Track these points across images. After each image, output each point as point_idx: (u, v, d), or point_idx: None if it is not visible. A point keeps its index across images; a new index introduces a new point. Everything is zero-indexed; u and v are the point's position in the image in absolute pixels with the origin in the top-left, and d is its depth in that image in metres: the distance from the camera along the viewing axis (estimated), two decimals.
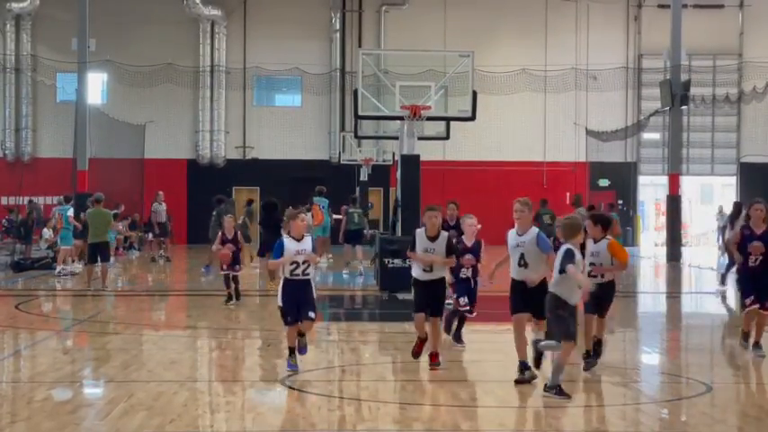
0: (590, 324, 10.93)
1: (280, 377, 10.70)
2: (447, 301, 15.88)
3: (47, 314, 18.12)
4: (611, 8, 42.17)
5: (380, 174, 38.39)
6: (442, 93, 21.23)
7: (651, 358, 13.25)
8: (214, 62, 41.37)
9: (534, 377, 10.13)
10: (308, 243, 10.91)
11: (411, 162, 21.04)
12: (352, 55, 40.37)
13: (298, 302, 10.79)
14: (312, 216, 25.16)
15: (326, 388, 10.22)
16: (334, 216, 28.26)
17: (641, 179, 43.17)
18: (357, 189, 36.42)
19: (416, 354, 11.18)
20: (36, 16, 40.90)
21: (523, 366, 10.21)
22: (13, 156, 41.01)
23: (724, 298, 20.72)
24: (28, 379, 10.96)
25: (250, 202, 30.64)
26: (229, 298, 18.03)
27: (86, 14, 33.14)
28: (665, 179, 35.87)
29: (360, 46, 40.04)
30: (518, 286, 10.29)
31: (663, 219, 37.49)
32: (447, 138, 26.26)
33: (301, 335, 10.89)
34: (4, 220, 36.33)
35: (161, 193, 31.41)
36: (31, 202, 33.32)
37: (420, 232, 11.17)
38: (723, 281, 21.58)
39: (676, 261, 31.37)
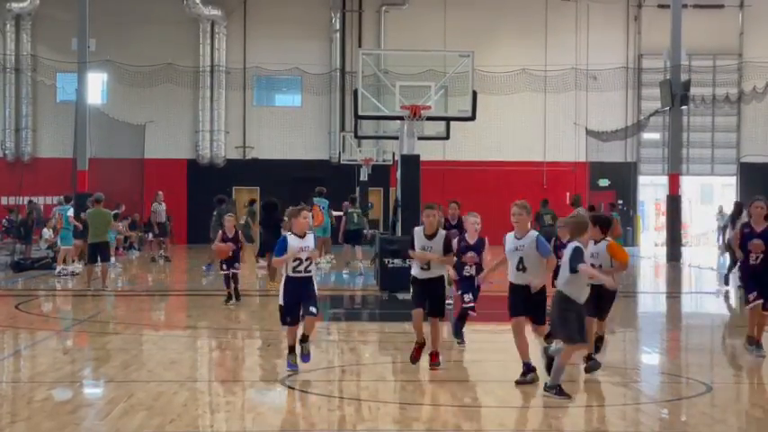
0: (590, 326, 10.89)
1: (280, 377, 10.70)
2: (448, 302, 15.90)
3: (47, 314, 18.12)
4: (611, 8, 42.18)
5: (380, 174, 38.40)
6: (442, 93, 21.23)
7: (651, 358, 13.24)
8: (214, 62, 41.38)
9: (536, 379, 10.13)
10: (310, 240, 10.94)
11: (411, 162, 21.04)
12: (352, 55, 40.39)
13: (300, 299, 10.78)
14: (312, 217, 25.15)
15: (326, 388, 10.22)
16: (334, 213, 28.21)
17: (641, 179, 43.19)
18: (357, 189, 36.41)
19: (415, 359, 11.12)
20: (36, 16, 40.92)
21: (527, 368, 10.19)
22: (13, 156, 41.03)
23: (727, 298, 20.72)
24: (28, 379, 10.96)
25: (252, 202, 30.63)
26: (229, 297, 18.05)
27: (86, 14, 33.15)
28: (665, 179, 35.88)
29: (360, 46, 40.05)
30: (516, 290, 10.25)
31: (663, 219, 37.50)
32: (447, 138, 26.27)
33: (304, 340, 10.84)
34: (4, 220, 36.33)
35: (161, 193, 31.42)
36: (30, 202, 33.32)
37: (418, 230, 11.18)
38: (726, 281, 21.61)
39: (676, 261, 31.37)
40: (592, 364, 10.67)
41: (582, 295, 9.62)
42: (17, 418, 8.72)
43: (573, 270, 9.50)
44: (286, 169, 40.16)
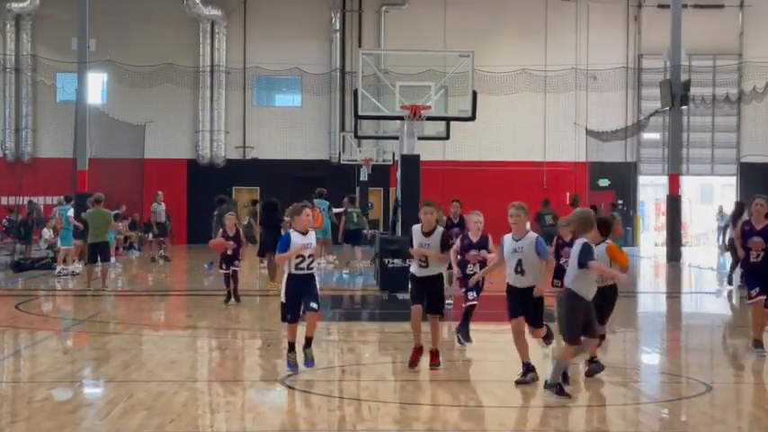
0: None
1: (280, 377, 10.70)
2: (448, 302, 15.89)
3: (47, 314, 18.11)
4: (611, 8, 42.19)
5: (380, 174, 38.40)
6: (442, 93, 21.23)
7: (651, 358, 13.24)
8: (214, 62, 41.40)
9: (536, 379, 10.12)
10: (312, 237, 10.94)
11: (411, 162, 21.04)
12: (352, 55, 40.40)
13: (301, 296, 10.76)
14: (312, 218, 25.09)
15: (326, 388, 10.21)
16: (335, 210, 28.16)
17: (641, 179, 43.20)
18: (357, 189, 36.43)
19: (413, 363, 11.04)
20: (36, 16, 40.93)
21: (527, 368, 10.19)
22: (13, 156, 41.05)
23: (730, 297, 20.70)
24: (28, 379, 10.95)
25: (254, 202, 30.63)
26: (228, 297, 18.06)
27: (86, 14, 33.17)
28: (665, 179, 35.88)
29: (360, 46, 40.07)
30: (514, 292, 10.21)
31: (663, 219, 37.50)
32: (447, 138, 26.28)
33: (308, 345, 10.80)
34: (4, 220, 36.35)
35: (160, 193, 31.42)
36: (30, 202, 33.32)
37: (416, 228, 11.19)
38: (730, 281, 21.63)
39: (676, 261, 31.37)
40: (594, 367, 10.58)
41: (590, 292, 9.56)
42: (17, 418, 8.72)
43: (581, 265, 9.43)
44: (286, 169, 40.18)
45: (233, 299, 18.06)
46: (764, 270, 12.27)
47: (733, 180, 43.14)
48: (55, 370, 11.35)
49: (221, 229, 18.74)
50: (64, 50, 37.27)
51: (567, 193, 36.28)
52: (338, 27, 41.87)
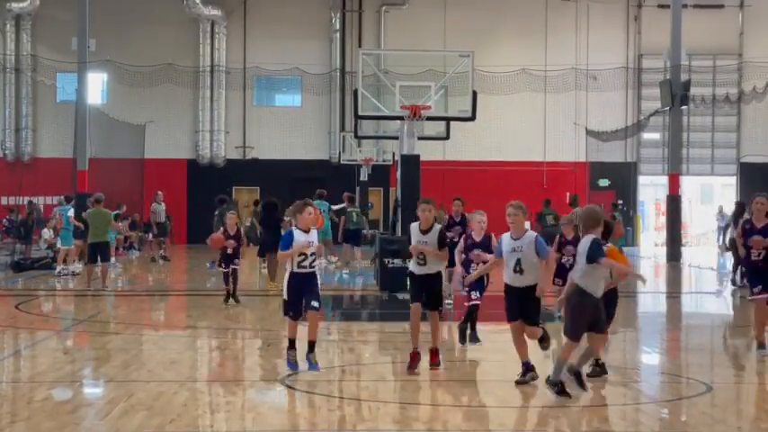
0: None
1: (280, 377, 10.70)
2: (447, 301, 15.86)
3: (47, 314, 18.12)
4: (611, 8, 42.19)
5: (380, 174, 38.40)
6: (442, 93, 21.23)
7: (651, 358, 13.24)
8: (214, 62, 41.39)
9: (535, 377, 10.12)
10: (314, 236, 10.90)
11: (411, 162, 21.04)
12: (352, 55, 40.40)
13: (302, 294, 10.75)
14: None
15: (326, 388, 10.21)
16: (334, 207, 28.13)
17: (641, 179, 43.20)
18: (357, 189, 36.42)
19: (412, 366, 10.96)
20: (36, 16, 40.93)
21: (526, 368, 10.19)
22: (13, 156, 41.04)
23: (735, 295, 20.65)
24: (28, 379, 10.95)
25: (257, 202, 30.59)
26: (227, 296, 18.06)
27: (86, 14, 33.19)
28: (665, 179, 35.88)
29: (360, 46, 40.06)
30: (512, 292, 10.18)
31: (663, 219, 37.51)
32: (447, 138, 26.26)
33: (311, 349, 10.74)
34: (4, 220, 36.36)
35: (160, 193, 31.41)
36: (30, 202, 33.33)
37: (414, 226, 11.19)
38: (734, 282, 21.63)
39: (676, 261, 31.38)
40: (598, 371, 10.51)
41: (599, 289, 9.50)
42: (17, 418, 8.72)
43: (590, 260, 9.39)
44: (286, 169, 40.18)
45: (232, 299, 18.06)
46: (766, 268, 12.27)
47: (733, 180, 43.14)
48: (55, 370, 11.35)
49: (222, 228, 18.77)
50: (64, 50, 37.27)
51: (567, 193, 36.29)
52: (338, 27, 41.86)
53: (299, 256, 10.74)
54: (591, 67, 40.87)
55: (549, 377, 9.60)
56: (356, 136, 31.22)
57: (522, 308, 10.16)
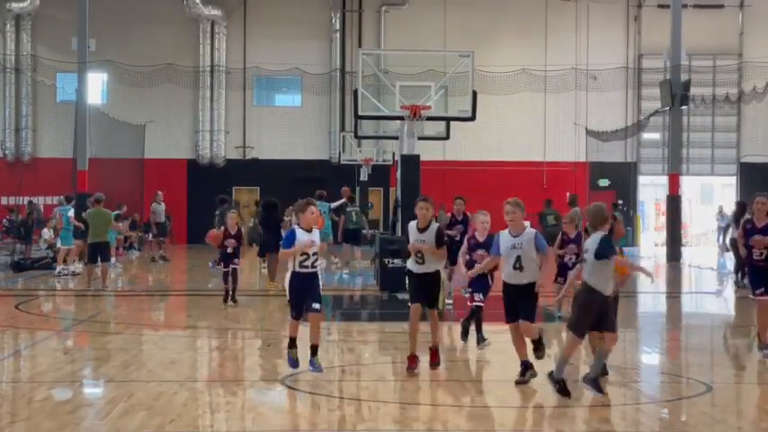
0: (594, 336, 10.81)
1: (280, 377, 10.70)
2: (448, 301, 15.86)
3: (47, 314, 18.12)
4: (611, 8, 42.19)
5: (380, 174, 38.40)
6: (442, 93, 21.22)
7: (651, 358, 13.25)
8: (214, 62, 41.39)
9: (534, 375, 10.12)
10: (317, 235, 10.85)
11: (411, 162, 21.04)
12: (352, 55, 40.40)
13: (305, 295, 10.73)
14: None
15: (326, 388, 10.21)
16: (333, 205, 28.06)
17: (641, 179, 43.19)
18: (357, 189, 36.41)
19: (411, 368, 10.91)
20: (36, 16, 40.93)
21: (525, 367, 10.20)
22: (13, 156, 41.04)
23: (740, 295, 20.63)
24: (28, 379, 10.95)
25: (258, 203, 30.55)
26: (226, 295, 18.05)
27: (86, 14, 33.19)
28: (665, 179, 35.88)
29: (360, 46, 40.06)
30: (510, 290, 10.19)
31: (663, 219, 37.50)
32: (447, 138, 26.25)
33: (314, 353, 10.71)
34: (4, 220, 36.36)
35: (160, 193, 31.40)
36: (30, 202, 33.34)
37: (412, 224, 11.16)
38: (737, 284, 21.62)
39: (676, 261, 31.38)
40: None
41: (607, 286, 9.46)
42: (17, 418, 8.72)
43: (599, 257, 9.36)
44: (286, 169, 40.17)
45: (231, 300, 18.05)
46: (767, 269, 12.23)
47: (733, 180, 43.14)
48: (55, 370, 11.35)
49: (223, 227, 18.78)
50: (64, 50, 37.28)
51: (567, 194, 36.30)
52: (338, 27, 41.86)
53: (302, 255, 10.70)
54: (591, 67, 40.87)
55: (551, 372, 9.59)
56: (356, 136, 31.21)
57: (520, 306, 10.14)
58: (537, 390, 9.91)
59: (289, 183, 37.95)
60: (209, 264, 26.10)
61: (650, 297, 21.86)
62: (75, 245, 25.20)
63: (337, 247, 27.88)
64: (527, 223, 10.56)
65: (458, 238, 17.11)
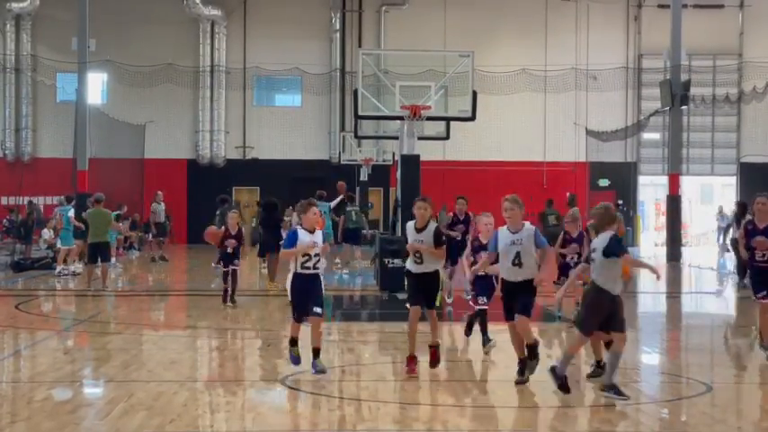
0: (597, 336, 10.79)
1: (280, 377, 10.70)
2: (448, 301, 15.84)
3: (47, 314, 18.12)
4: (611, 8, 42.19)
5: (380, 174, 38.40)
6: (442, 93, 21.22)
7: (651, 358, 13.25)
8: (214, 62, 41.40)
9: (537, 363, 10.13)
10: (319, 236, 10.83)
11: (411, 162, 21.04)
12: (352, 55, 40.40)
13: (307, 296, 10.70)
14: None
15: (326, 388, 10.21)
16: (332, 204, 28.04)
17: (641, 179, 43.19)
18: (357, 189, 36.41)
19: (410, 370, 10.87)
20: (36, 16, 40.93)
21: (523, 365, 10.19)
22: (13, 156, 41.04)
23: (741, 295, 20.63)
24: (28, 379, 10.95)
25: (259, 203, 30.52)
26: (225, 295, 18.04)
27: (86, 14, 33.19)
28: (665, 179, 35.88)
29: (360, 46, 40.06)
30: (509, 288, 10.18)
31: (663, 219, 37.50)
32: (447, 138, 26.25)
33: (316, 355, 10.69)
34: (4, 220, 36.35)
35: (160, 193, 31.40)
36: (30, 202, 33.34)
37: (410, 224, 11.15)
38: (740, 285, 21.62)
39: (676, 261, 31.37)
40: (598, 371, 10.44)
41: (616, 286, 9.45)
42: (17, 418, 8.72)
43: (606, 255, 9.34)
44: (286, 169, 40.17)
45: (230, 300, 18.03)
46: None
47: (733, 180, 43.15)
48: (55, 370, 11.35)
49: (224, 227, 18.76)
50: (64, 50, 37.29)
51: (567, 194, 36.30)
52: (338, 27, 41.86)
53: (303, 256, 10.67)
54: (591, 67, 40.87)
55: (553, 367, 9.58)
56: (356, 136, 31.20)
57: (517, 300, 10.12)
58: (537, 390, 9.90)
59: (289, 183, 37.96)
60: (212, 264, 26.07)
61: (650, 297, 21.86)
62: (76, 245, 25.20)
63: (337, 247, 27.87)
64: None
65: (459, 238, 17.13)
